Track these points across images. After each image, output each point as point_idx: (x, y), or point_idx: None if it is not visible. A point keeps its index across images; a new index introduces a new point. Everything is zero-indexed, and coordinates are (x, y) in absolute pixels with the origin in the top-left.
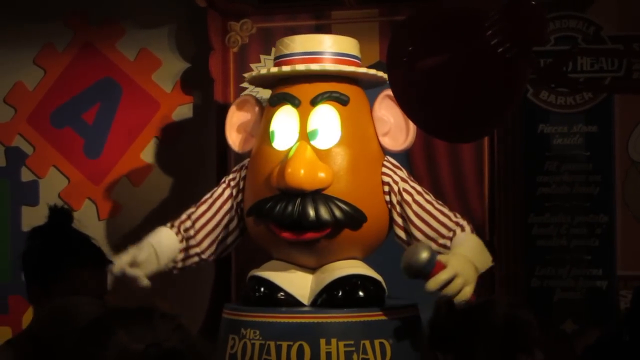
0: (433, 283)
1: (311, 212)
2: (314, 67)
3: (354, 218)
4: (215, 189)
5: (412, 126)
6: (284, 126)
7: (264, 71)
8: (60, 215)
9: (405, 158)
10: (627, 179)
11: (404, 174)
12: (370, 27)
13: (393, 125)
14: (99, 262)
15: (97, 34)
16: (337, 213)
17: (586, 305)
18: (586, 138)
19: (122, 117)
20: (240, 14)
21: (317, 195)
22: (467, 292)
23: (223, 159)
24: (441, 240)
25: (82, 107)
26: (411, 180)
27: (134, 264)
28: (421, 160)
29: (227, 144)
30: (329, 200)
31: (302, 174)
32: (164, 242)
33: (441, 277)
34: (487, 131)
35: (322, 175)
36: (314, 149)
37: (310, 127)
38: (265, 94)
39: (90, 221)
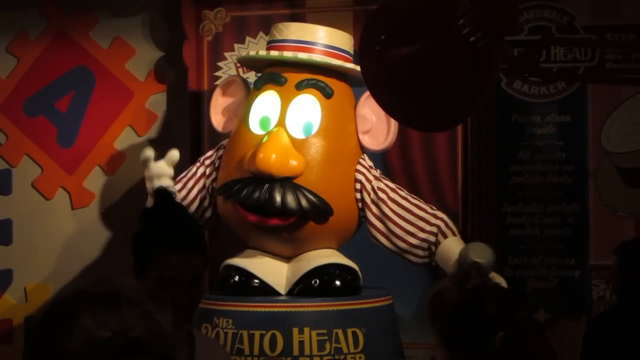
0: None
1: (278, 199)
2: (302, 55)
3: (320, 210)
4: (191, 167)
5: (394, 127)
6: (265, 110)
7: (253, 53)
8: (165, 198)
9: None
10: (600, 168)
11: (377, 173)
12: (345, 16)
13: (375, 124)
14: (196, 247)
15: (71, 22)
16: (304, 203)
17: (559, 295)
18: (559, 128)
19: (96, 105)
20: (215, 2)
21: (286, 183)
22: None
23: (197, 148)
24: (422, 235)
25: (56, 95)
26: (384, 178)
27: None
28: (395, 150)
29: (211, 123)
30: (297, 189)
31: (273, 160)
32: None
33: None
34: (459, 120)
35: (293, 163)
36: (290, 136)
37: (290, 114)
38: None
39: (63, 210)
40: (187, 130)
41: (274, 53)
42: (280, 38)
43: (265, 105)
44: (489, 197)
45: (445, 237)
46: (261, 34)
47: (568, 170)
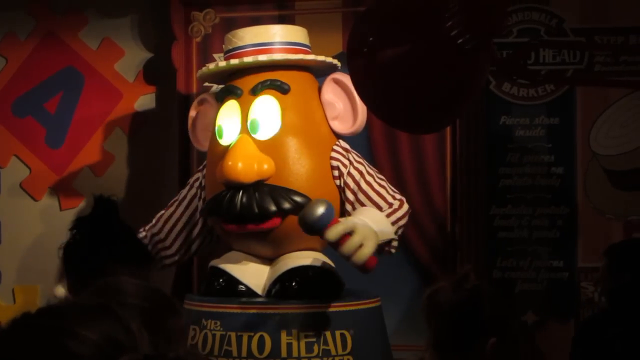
0: (331, 233)
1: (254, 204)
2: (262, 57)
3: (301, 205)
4: (182, 190)
5: (361, 108)
6: (228, 120)
7: (212, 66)
8: (106, 207)
9: (367, 149)
10: (588, 171)
11: (353, 156)
12: (334, 18)
13: (341, 109)
14: (141, 259)
15: (60, 22)
16: (283, 203)
17: (547, 297)
18: (548, 130)
19: (85, 106)
20: (204, 3)
21: (260, 187)
22: (366, 252)
23: (186, 149)
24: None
25: (44, 96)
26: (357, 161)
27: None
28: (383, 152)
29: (197, 148)
30: (273, 190)
31: (240, 167)
32: None
33: (338, 227)
34: (447, 122)
35: (262, 166)
36: (254, 140)
37: (250, 119)
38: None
39: (51, 211)
40: (176, 131)
41: (234, 61)
42: (236, 45)
43: (228, 115)
44: (477, 199)
45: None
46: None
47: (557, 173)
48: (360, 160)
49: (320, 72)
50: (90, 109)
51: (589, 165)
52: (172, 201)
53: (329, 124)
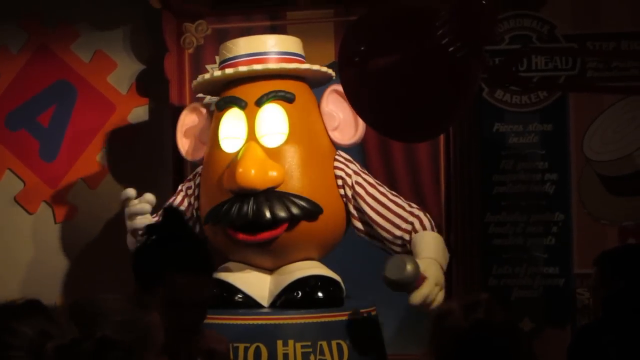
0: (417, 297)
1: (266, 211)
2: (257, 67)
3: (310, 210)
4: (174, 197)
5: (362, 120)
6: (232, 129)
7: (207, 76)
8: (174, 216)
9: (361, 158)
10: (582, 177)
11: (356, 167)
12: (326, 28)
13: (342, 120)
14: (204, 268)
15: (52, 36)
16: (293, 209)
17: (543, 304)
18: (541, 137)
19: (78, 119)
20: (195, 15)
21: (271, 194)
22: (440, 297)
23: (179, 161)
24: (398, 232)
25: (37, 109)
26: (364, 172)
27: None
28: (377, 161)
29: (184, 157)
30: (283, 197)
31: (253, 174)
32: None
33: (424, 291)
34: (439, 130)
35: (273, 173)
36: (263, 148)
37: (257, 127)
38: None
39: (46, 224)
40: (169, 143)
41: (229, 70)
42: (231, 55)
43: (232, 124)
44: (471, 206)
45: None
46: None
47: (551, 179)
48: (365, 171)
49: (315, 83)
50: (83, 121)
51: (583, 171)
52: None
53: (328, 135)
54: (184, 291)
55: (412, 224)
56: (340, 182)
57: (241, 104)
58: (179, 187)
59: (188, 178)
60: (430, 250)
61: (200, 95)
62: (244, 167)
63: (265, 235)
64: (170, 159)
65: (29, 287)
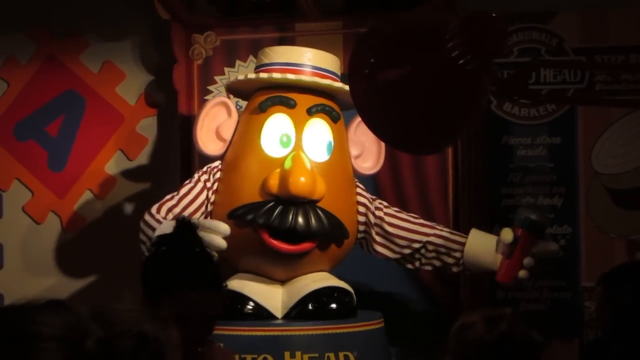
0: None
1: (303, 222)
2: (320, 80)
3: (340, 233)
4: (192, 185)
5: (383, 151)
6: (278, 133)
7: (263, 75)
8: (186, 229)
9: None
10: (590, 190)
11: (370, 195)
12: (334, 39)
13: (365, 149)
14: (214, 284)
15: (61, 46)
16: (327, 225)
17: (551, 317)
18: (550, 149)
19: (86, 129)
20: (204, 26)
21: (310, 206)
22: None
23: (187, 172)
24: (425, 239)
25: (46, 119)
26: (379, 201)
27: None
28: (386, 173)
29: (196, 145)
30: (321, 212)
31: (304, 183)
32: None
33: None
34: (448, 143)
35: (320, 186)
36: (310, 160)
37: (306, 138)
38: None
39: (54, 234)
40: (177, 154)
41: (291, 76)
42: (271, 61)
43: (280, 127)
44: (479, 219)
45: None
46: (251, 57)
47: (559, 192)
48: (380, 200)
49: (343, 105)
50: (91, 132)
51: (591, 184)
52: (182, 194)
53: (351, 161)
54: (192, 306)
55: (432, 226)
56: (362, 209)
57: (290, 102)
58: (196, 177)
59: (203, 170)
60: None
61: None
62: (296, 175)
63: (304, 246)
64: (179, 169)
65: (37, 296)
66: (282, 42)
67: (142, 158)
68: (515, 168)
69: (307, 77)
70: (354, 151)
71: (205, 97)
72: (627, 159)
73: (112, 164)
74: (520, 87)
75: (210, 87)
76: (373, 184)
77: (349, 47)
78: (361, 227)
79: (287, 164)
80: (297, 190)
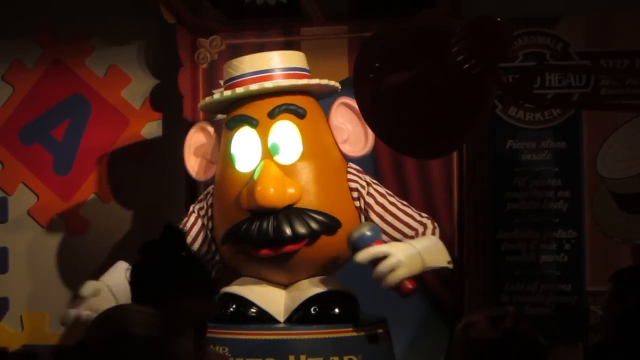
0: (362, 255)
1: (287, 229)
2: (268, 84)
3: (329, 225)
4: (186, 219)
5: (370, 132)
6: (245, 147)
7: (217, 96)
8: (174, 235)
9: (375, 174)
10: (595, 194)
11: (368, 177)
12: (340, 44)
13: (351, 132)
14: (205, 290)
15: (66, 50)
16: (313, 224)
17: (556, 321)
18: (555, 154)
19: (92, 134)
20: (210, 30)
21: (290, 211)
22: (399, 274)
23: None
24: (405, 241)
25: (51, 123)
26: (375, 183)
27: (89, 307)
28: (390, 178)
29: (191, 176)
30: (302, 213)
31: (272, 192)
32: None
33: (371, 250)
34: (453, 147)
35: (291, 190)
36: (278, 165)
37: (271, 145)
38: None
39: (59, 238)
40: (182, 158)
41: (240, 89)
42: (237, 74)
43: (244, 142)
44: (484, 223)
45: None
46: None
47: (564, 197)
48: (376, 182)
49: (320, 96)
50: (97, 136)
51: (596, 188)
52: None
53: (339, 147)
54: (182, 311)
55: (416, 230)
56: (355, 194)
57: (252, 122)
58: (190, 209)
59: (199, 199)
60: (417, 241)
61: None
62: (262, 186)
63: (288, 248)
64: (184, 174)
65: (41, 301)
66: (287, 46)
67: (148, 162)
68: (520, 172)
69: (255, 86)
70: (339, 136)
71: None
72: (632, 164)
73: (117, 168)
74: (526, 91)
75: (216, 91)
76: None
77: (354, 52)
78: (359, 212)
79: (255, 176)
80: (264, 201)
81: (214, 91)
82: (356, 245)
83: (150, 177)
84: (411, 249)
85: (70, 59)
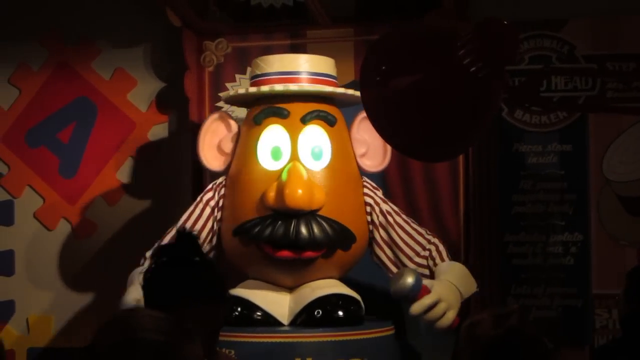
0: (417, 307)
1: (306, 232)
2: (308, 87)
3: (345, 238)
4: (192, 209)
5: (389, 148)
6: (273, 145)
7: (252, 89)
8: (188, 240)
9: (381, 178)
10: (601, 197)
11: (381, 194)
12: (346, 47)
13: (371, 147)
14: (218, 295)
15: (73, 53)
16: (331, 233)
17: (561, 324)
18: (561, 157)
19: (98, 136)
20: (216, 33)
21: (311, 216)
22: (450, 316)
23: (198, 178)
24: (417, 259)
25: (57, 126)
26: (386, 201)
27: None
28: (397, 181)
29: (201, 162)
30: (323, 220)
31: (301, 195)
32: None
33: (425, 301)
34: (460, 150)
35: (318, 196)
36: (306, 169)
37: (301, 147)
38: (240, 113)
39: (65, 240)
40: (188, 160)
41: (279, 87)
42: (264, 72)
43: (274, 139)
44: (490, 226)
45: (435, 264)
46: None
47: (570, 200)
48: (387, 200)
49: (343, 104)
50: (103, 138)
51: (602, 191)
52: (182, 221)
53: (357, 160)
54: (196, 317)
55: (429, 250)
56: (368, 208)
57: (283, 113)
58: (198, 198)
59: (208, 188)
60: (449, 274)
61: (220, 104)
62: (291, 188)
63: (308, 254)
64: (190, 177)
65: (47, 304)
66: (293, 49)
67: (154, 165)
68: (526, 175)
69: (294, 86)
70: (358, 150)
71: (217, 104)
72: (638, 166)
73: (124, 171)
74: (532, 94)
75: (222, 94)
76: (384, 191)
77: (361, 54)
78: (370, 227)
79: (284, 176)
80: (293, 203)
81: (231, 85)
82: (407, 296)
83: (156, 180)
84: (452, 287)
85: (77, 61)
